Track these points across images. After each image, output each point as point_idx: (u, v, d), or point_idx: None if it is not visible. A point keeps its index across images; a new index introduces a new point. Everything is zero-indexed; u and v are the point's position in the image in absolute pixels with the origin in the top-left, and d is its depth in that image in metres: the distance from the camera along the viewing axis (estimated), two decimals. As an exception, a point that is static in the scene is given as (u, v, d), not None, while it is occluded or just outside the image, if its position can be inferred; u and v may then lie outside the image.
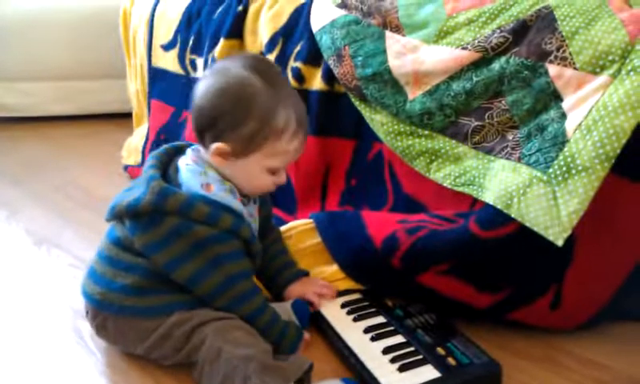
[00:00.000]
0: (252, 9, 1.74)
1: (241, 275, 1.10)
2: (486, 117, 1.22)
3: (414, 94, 1.31)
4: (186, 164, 1.13)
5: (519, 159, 1.13)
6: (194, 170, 1.12)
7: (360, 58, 1.39)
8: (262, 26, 1.69)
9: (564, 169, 1.04)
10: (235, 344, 1.01)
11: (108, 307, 1.10)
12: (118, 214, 1.11)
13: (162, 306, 1.08)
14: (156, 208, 1.05)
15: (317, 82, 1.52)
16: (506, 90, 1.19)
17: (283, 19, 1.64)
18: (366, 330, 1.14)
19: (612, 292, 1.15)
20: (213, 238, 1.07)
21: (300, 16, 1.61)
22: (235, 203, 1.11)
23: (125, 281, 1.09)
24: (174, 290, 1.09)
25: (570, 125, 1.07)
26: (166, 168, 1.15)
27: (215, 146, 1.10)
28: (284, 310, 1.18)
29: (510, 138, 1.18)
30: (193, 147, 1.18)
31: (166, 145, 1.21)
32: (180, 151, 1.20)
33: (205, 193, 1.09)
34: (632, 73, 1.03)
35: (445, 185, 1.25)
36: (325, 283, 1.26)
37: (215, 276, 1.07)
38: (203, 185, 1.10)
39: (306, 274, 1.29)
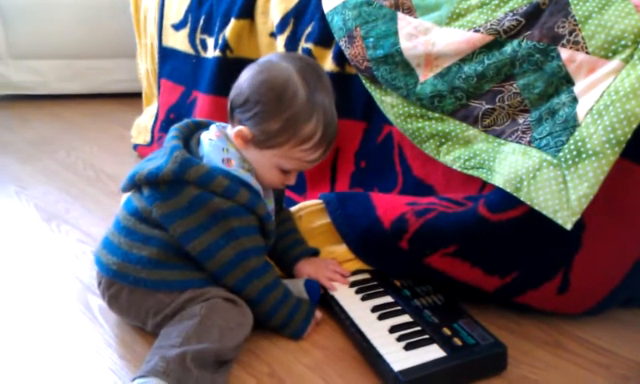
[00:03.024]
0: (263, -11, 1.74)
1: (253, 250, 1.12)
2: (496, 100, 1.21)
3: (425, 76, 1.31)
4: (209, 138, 1.16)
5: (529, 143, 1.13)
6: (216, 145, 1.14)
7: (371, 40, 1.38)
8: (273, 6, 1.68)
9: (574, 153, 1.04)
10: (207, 331, 1.02)
11: (124, 278, 1.11)
12: (138, 182, 1.12)
13: (176, 282, 1.09)
14: (176, 177, 1.07)
15: (328, 64, 1.52)
16: (518, 73, 1.18)
17: (294, 0, 1.64)
18: (374, 309, 1.15)
19: (620, 278, 1.14)
20: (230, 211, 1.09)
21: (311, -4, 1.61)
22: (253, 181, 1.14)
23: (141, 252, 1.10)
24: (188, 267, 1.10)
25: (581, 109, 1.07)
26: (188, 141, 1.18)
27: (239, 128, 1.14)
28: (296, 287, 1.19)
29: (521, 121, 1.18)
30: (217, 124, 1.21)
31: (188, 119, 1.24)
32: (201, 126, 1.23)
33: (225, 167, 1.12)
34: (644, 58, 1.02)
35: (454, 168, 1.25)
36: (336, 265, 1.27)
37: (229, 248, 1.08)
38: (224, 159, 1.13)
39: (315, 252, 1.30)
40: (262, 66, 1.16)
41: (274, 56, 1.19)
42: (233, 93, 1.17)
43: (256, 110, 1.12)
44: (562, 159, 1.06)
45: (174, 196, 1.08)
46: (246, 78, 1.15)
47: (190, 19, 1.99)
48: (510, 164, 1.13)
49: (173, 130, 1.18)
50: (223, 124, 1.22)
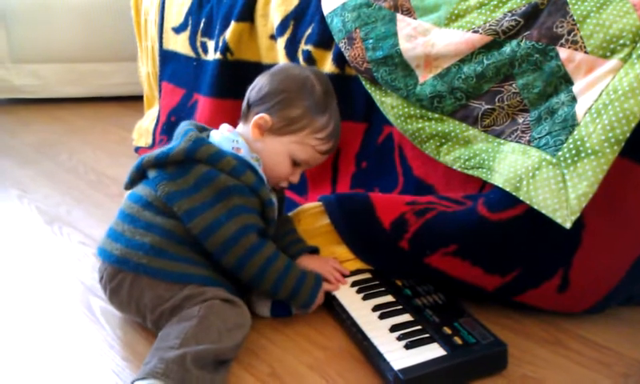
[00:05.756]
0: (263, -8, 1.74)
1: (254, 227, 1.14)
2: (496, 100, 1.22)
3: (424, 77, 1.31)
4: (220, 133, 1.23)
5: (529, 142, 1.14)
6: (227, 137, 1.22)
7: (371, 41, 1.39)
8: (273, 9, 1.69)
9: (573, 152, 1.05)
10: (206, 333, 1.02)
11: (125, 263, 1.12)
12: (146, 165, 1.17)
13: (177, 274, 1.10)
14: (188, 155, 1.13)
15: (327, 65, 1.53)
16: (517, 73, 1.19)
17: (294, 2, 1.64)
18: (375, 308, 1.16)
19: (620, 276, 1.15)
20: (235, 188, 1.13)
21: (311, -1, 1.61)
22: (259, 170, 1.19)
23: (144, 239, 1.12)
24: (190, 261, 1.12)
25: (580, 108, 1.07)
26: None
27: (260, 115, 1.22)
28: None
29: (520, 121, 1.18)
30: (228, 125, 1.28)
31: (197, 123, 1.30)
32: (208, 130, 1.28)
33: (234, 152, 1.18)
34: (643, 57, 1.03)
35: (454, 168, 1.25)
36: (336, 263, 1.27)
37: (231, 224, 1.11)
38: (234, 148, 1.19)
39: (315, 249, 1.30)
40: (278, 69, 1.31)
41: (283, 65, 1.31)
42: (250, 93, 1.28)
43: (279, 98, 1.23)
44: (562, 158, 1.06)
45: (182, 176, 1.13)
46: (263, 80, 1.27)
47: (190, 22, 1.99)
48: (509, 163, 1.13)
49: (185, 123, 1.24)
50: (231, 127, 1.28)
